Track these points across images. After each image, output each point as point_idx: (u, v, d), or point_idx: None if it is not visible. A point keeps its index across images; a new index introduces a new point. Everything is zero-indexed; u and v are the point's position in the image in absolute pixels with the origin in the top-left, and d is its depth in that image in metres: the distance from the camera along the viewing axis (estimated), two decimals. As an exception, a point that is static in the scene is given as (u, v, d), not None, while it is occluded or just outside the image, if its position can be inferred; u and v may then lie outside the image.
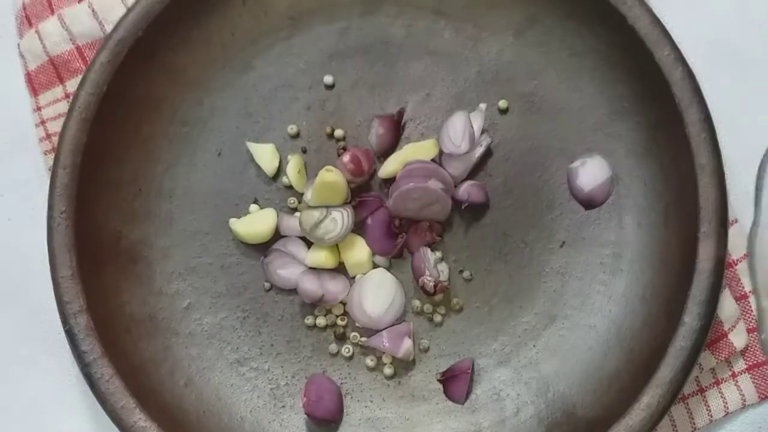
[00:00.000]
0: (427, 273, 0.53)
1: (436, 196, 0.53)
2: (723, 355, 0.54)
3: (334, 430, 0.53)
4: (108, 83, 0.52)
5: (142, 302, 0.53)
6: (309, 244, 0.54)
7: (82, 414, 0.57)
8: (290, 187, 0.56)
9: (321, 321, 0.54)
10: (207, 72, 0.56)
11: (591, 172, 0.54)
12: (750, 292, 0.55)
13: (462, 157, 0.54)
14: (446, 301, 0.54)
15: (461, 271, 0.55)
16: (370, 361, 0.54)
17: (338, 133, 0.56)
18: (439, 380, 0.54)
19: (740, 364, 0.55)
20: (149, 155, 0.55)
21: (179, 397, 0.52)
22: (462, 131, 0.54)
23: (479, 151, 0.55)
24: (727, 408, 0.55)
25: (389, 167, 0.55)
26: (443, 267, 0.54)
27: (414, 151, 0.55)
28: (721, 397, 0.55)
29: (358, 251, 0.54)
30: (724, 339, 0.54)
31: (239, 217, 0.55)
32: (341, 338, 0.54)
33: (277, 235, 0.55)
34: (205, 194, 0.56)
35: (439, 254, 0.55)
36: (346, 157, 0.53)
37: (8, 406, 0.57)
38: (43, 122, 0.58)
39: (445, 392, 0.53)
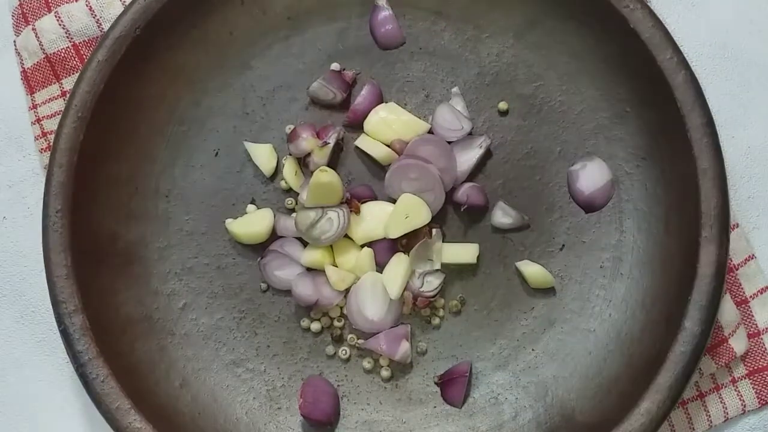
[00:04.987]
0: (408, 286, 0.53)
1: (433, 182, 0.53)
2: (723, 361, 0.54)
3: (330, 432, 0.53)
4: (105, 82, 0.52)
5: (138, 302, 0.53)
6: (306, 244, 0.54)
7: (76, 415, 0.57)
8: (288, 189, 0.55)
9: (315, 326, 0.54)
10: (205, 71, 0.56)
11: (591, 176, 0.54)
12: (750, 297, 0.55)
13: (465, 149, 0.54)
14: (444, 304, 0.54)
15: (460, 274, 0.54)
16: (367, 364, 0.54)
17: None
18: (436, 383, 0.53)
19: (741, 370, 0.55)
20: (146, 154, 0.55)
21: (175, 398, 0.52)
22: (453, 116, 0.54)
23: (479, 152, 0.54)
24: (727, 413, 0.55)
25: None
26: (433, 277, 0.53)
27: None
28: (721, 402, 0.54)
29: (351, 256, 0.54)
30: (725, 344, 0.54)
31: (236, 218, 0.55)
32: (338, 340, 0.54)
33: (274, 236, 0.55)
34: (202, 194, 0.55)
35: (429, 266, 0.54)
36: (301, 138, 0.54)
37: (2, 406, 0.57)
38: (38, 120, 0.58)
39: (442, 395, 0.53)
